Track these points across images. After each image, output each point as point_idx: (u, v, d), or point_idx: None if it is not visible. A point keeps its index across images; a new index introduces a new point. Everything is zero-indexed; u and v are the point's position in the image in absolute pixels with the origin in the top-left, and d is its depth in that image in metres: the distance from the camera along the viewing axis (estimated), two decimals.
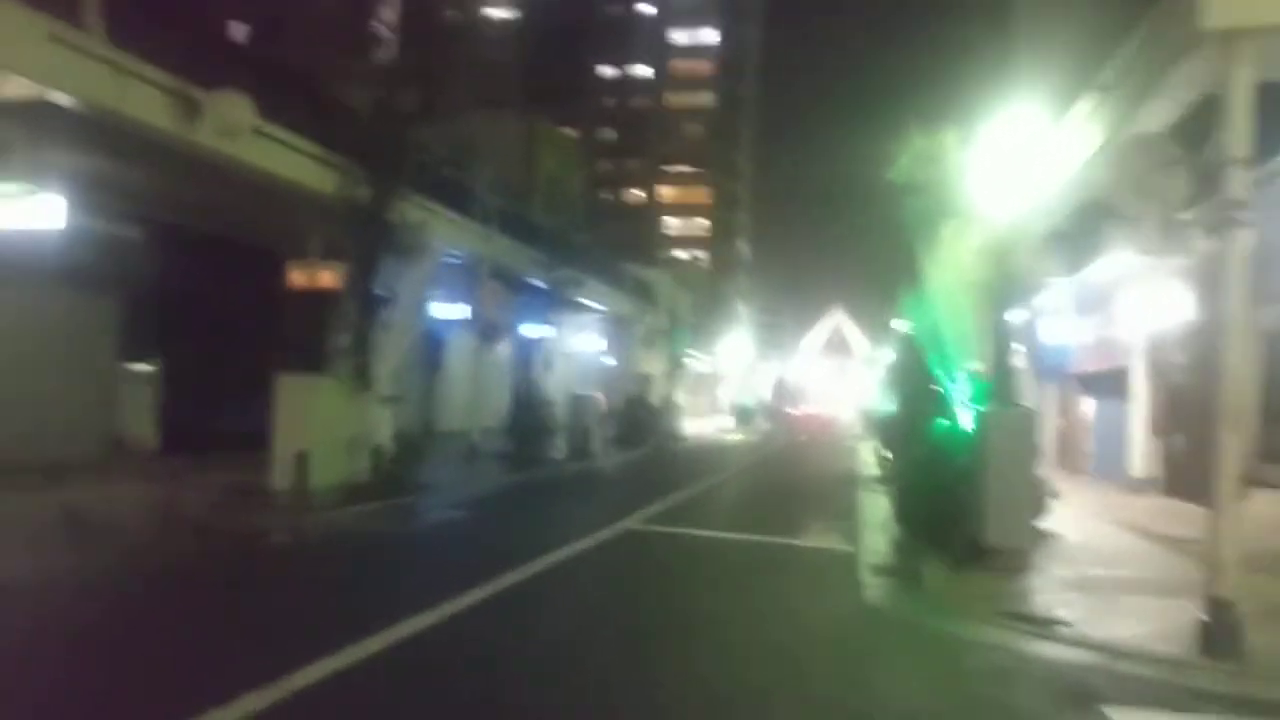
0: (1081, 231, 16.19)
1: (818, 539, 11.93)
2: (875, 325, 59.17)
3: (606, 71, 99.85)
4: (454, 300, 22.25)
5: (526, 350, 22.96)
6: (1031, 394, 18.16)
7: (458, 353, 21.94)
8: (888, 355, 32.42)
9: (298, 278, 17.11)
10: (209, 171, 13.01)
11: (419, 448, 14.75)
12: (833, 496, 17.97)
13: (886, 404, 40.73)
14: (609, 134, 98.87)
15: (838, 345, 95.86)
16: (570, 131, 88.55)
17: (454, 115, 18.79)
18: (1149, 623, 7.63)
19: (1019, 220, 12.13)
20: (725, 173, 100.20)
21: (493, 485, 16.85)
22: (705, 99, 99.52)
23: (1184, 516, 14.94)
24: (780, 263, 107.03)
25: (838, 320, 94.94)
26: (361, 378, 14.05)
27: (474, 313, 21.09)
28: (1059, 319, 21.64)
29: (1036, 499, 10.57)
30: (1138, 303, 17.82)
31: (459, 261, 21.51)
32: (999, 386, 12.09)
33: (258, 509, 11.45)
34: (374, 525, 11.27)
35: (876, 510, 15.24)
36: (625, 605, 8.14)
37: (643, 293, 40.79)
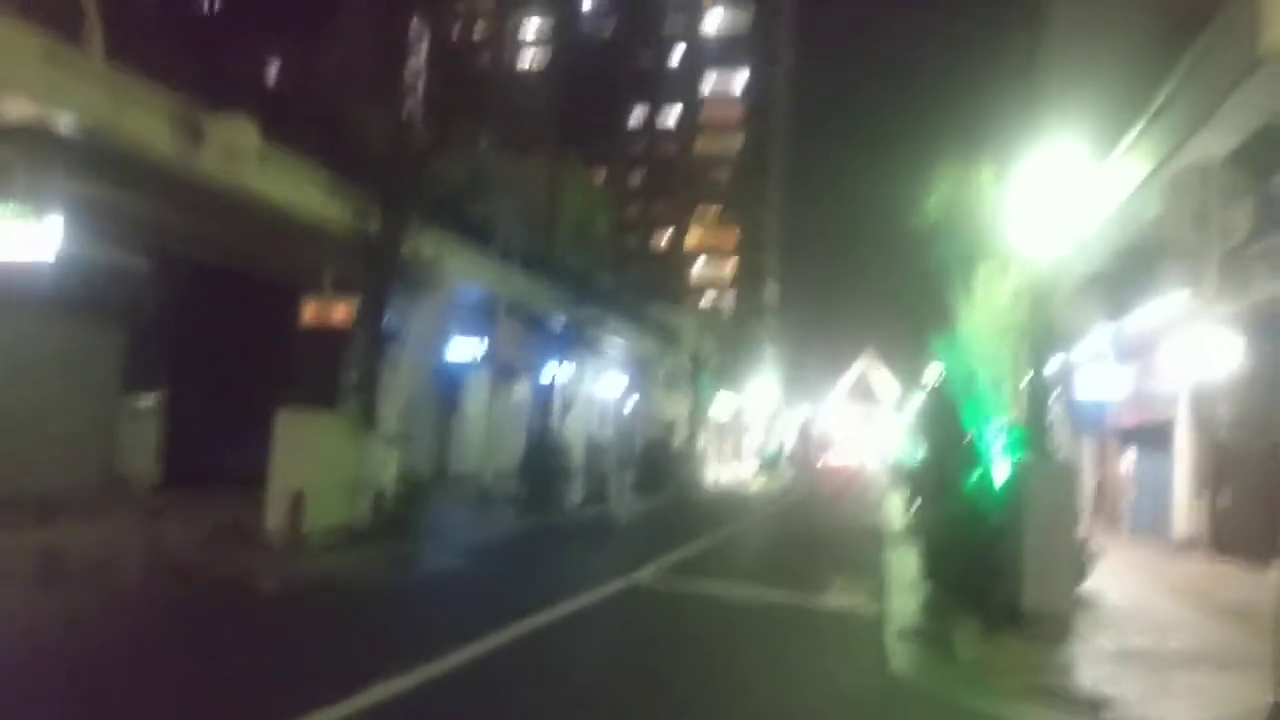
0: (1124, 274, 15.47)
1: (840, 597, 11.15)
2: (904, 371, 58.28)
3: (636, 116, 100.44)
4: (471, 338, 21.82)
5: (545, 392, 22.39)
6: (1067, 446, 17.29)
7: (475, 393, 21.44)
8: (917, 402, 31.58)
9: (311, 312, 16.68)
10: (216, 200, 12.65)
11: (425, 490, 14.12)
12: (858, 550, 17.13)
13: (915, 453, 39.81)
14: (637, 178, 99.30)
15: (865, 391, 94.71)
16: (598, 174, 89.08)
17: (472, 149, 18.37)
18: (1210, 704, 6.82)
19: (1058, 262, 11.43)
20: (753, 216, 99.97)
21: (500, 531, 16.18)
22: (734, 142, 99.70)
23: (1234, 580, 13.99)
24: (808, 306, 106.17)
25: (865, 365, 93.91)
26: (367, 416, 13.50)
27: (491, 352, 20.58)
28: (1097, 369, 20.77)
29: (1078, 560, 9.76)
30: (1183, 351, 16.98)
31: (477, 299, 21.14)
32: (1036, 437, 11.33)
33: (247, 551, 10.86)
34: (367, 572, 10.63)
35: (904, 566, 14.41)
36: (620, 677, 7.43)
37: (666, 334, 40.25)
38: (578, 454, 25.08)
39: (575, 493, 22.49)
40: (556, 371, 26.88)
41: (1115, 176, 10.72)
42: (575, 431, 29.37)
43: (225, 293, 16.76)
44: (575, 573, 11.90)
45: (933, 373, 21.27)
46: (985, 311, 11.82)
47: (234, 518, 11.98)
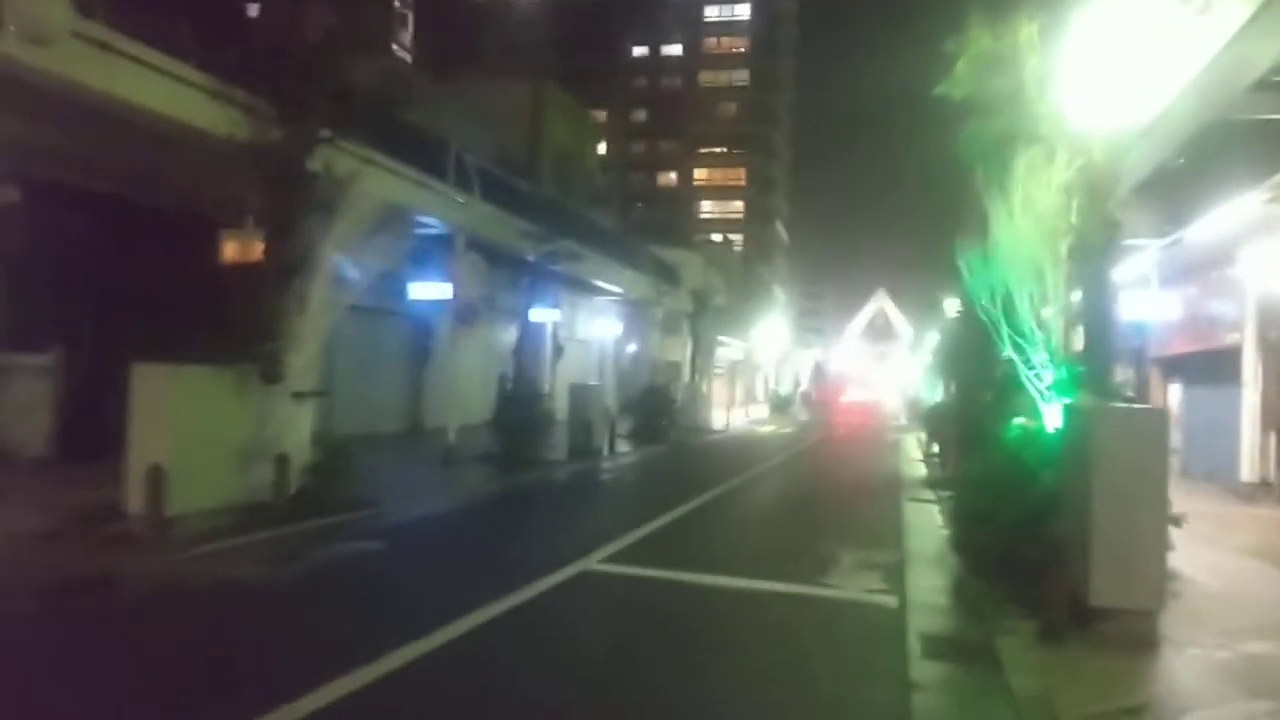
0: (1186, 173, 12.81)
1: (851, 582, 8.77)
2: (922, 306, 55.65)
3: (638, 50, 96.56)
4: (433, 278, 19.41)
5: (522, 336, 19.95)
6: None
7: (452, 341, 19.05)
8: (939, 334, 28.97)
9: (231, 250, 14.18)
10: (61, 106, 10.17)
11: (347, 454, 11.79)
12: (873, 509, 14.77)
13: (936, 391, 37.34)
14: (641, 116, 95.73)
15: (881, 329, 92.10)
16: (598, 113, 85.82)
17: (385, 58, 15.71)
18: None
19: (1120, 146, 8.81)
20: (761, 153, 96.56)
21: (456, 497, 13.88)
22: (740, 77, 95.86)
23: None
24: (820, 246, 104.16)
25: (881, 303, 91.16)
26: (270, 367, 11.12)
27: (454, 291, 18.13)
28: (1138, 292, 18.15)
29: (1164, 537, 7.33)
30: (1254, 265, 14.41)
31: (434, 233, 18.66)
32: (1095, 373, 8.86)
33: (95, 545, 8.58)
34: (240, 568, 8.29)
35: (928, 531, 12.05)
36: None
37: (666, 273, 37.63)
38: (563, 402, 22.79)
39: (559, 446, 20.20)
40: (539, 313, 24.49)
41: (1203, 20, 8.13)
42: (567, 379, 27.09)
43: (132, 231, 14.33)
44: (520, 556, 9.58)
45: (958, 298, 18.72)
46: (1028, 213, 9.26)
47: (108, 499, 9.69)
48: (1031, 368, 9.69)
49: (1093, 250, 8.95)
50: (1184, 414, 19.29)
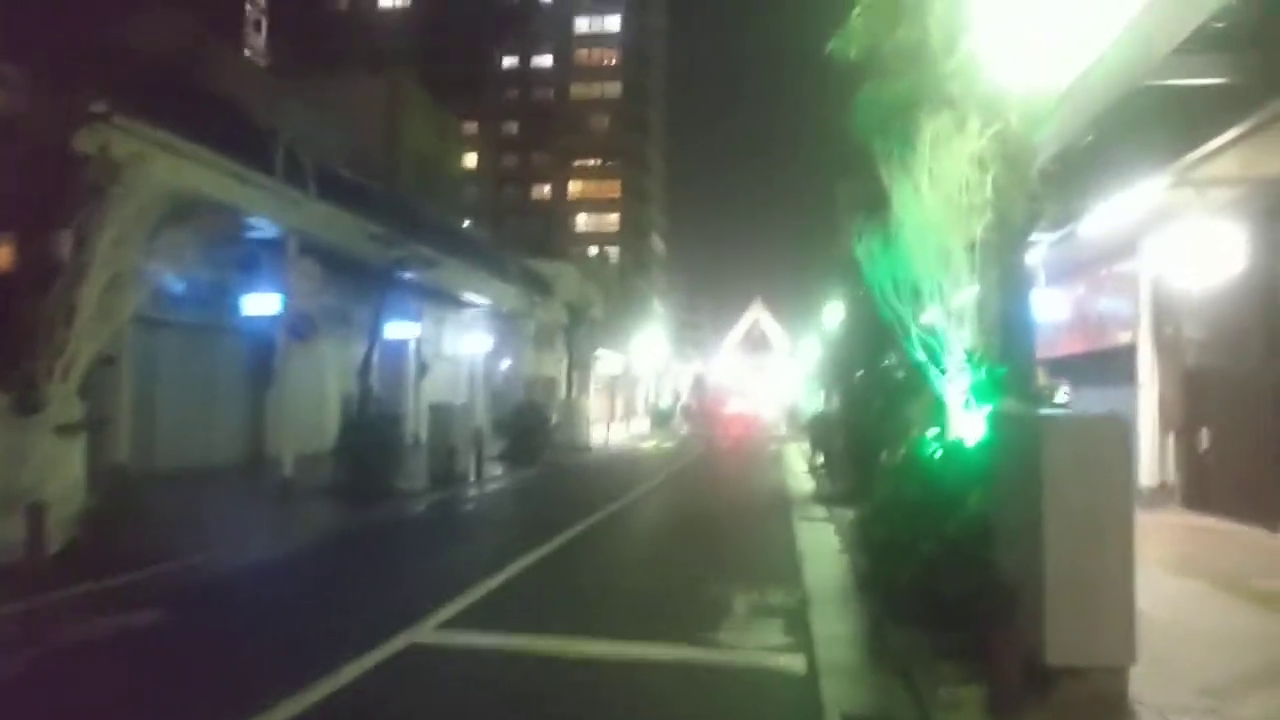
0: (1088, 159, 11.88)
1: (746, 638, 7.19)
2: (800, 313, 55.61)
3: (508, 62, 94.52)
4: (264, 287, 17.15)
5: (392, 355, 17.85)
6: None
7: (287, 359, 16.81)
8: (821, 341, 28.09)
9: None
10: None
11: (136, 496, 9.62)
12: (763, 532, 13.36)
13: (817, 401, 36.57)
14: (513, 127, 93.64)
15: (758, 340, 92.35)
16: (470, 124, 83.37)
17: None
18: None
19: (1042, 109, 7.59)
20: (635, 165, 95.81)
21: (277, 543, 11.74)
22: (611, 89, 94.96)
23: (1248, 544, 10.77)
24: (697, 259, 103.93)
25: (757, 314, 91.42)
26: (25, 396, 8.90)
27: (286, 302, 15.95)
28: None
29: (1132, 573, 5.99)
30: (1153, 257, 13.66)
31: (261, 236, 16.45)
32: (1018, 375, 7.62)
33: None
34: None
35: (826, 557, 10.67)
36: None
37: (538, 285, 35.83)
38: (422, 424, 20.75)
39: (417, 473, 18.17)
40: (397, 328, 22.40)
41: None
42: (435, 399, 25.03)
43: None
44: (339, 620, 7.64)
45: (842, 300, 17.61)
46: (935, 189, 7.96)
47: None
48: (943, 370, 8.40)
49: (1012, 231, 7.70)
50: None
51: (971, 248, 7.88)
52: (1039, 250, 15.35)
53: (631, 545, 12.67)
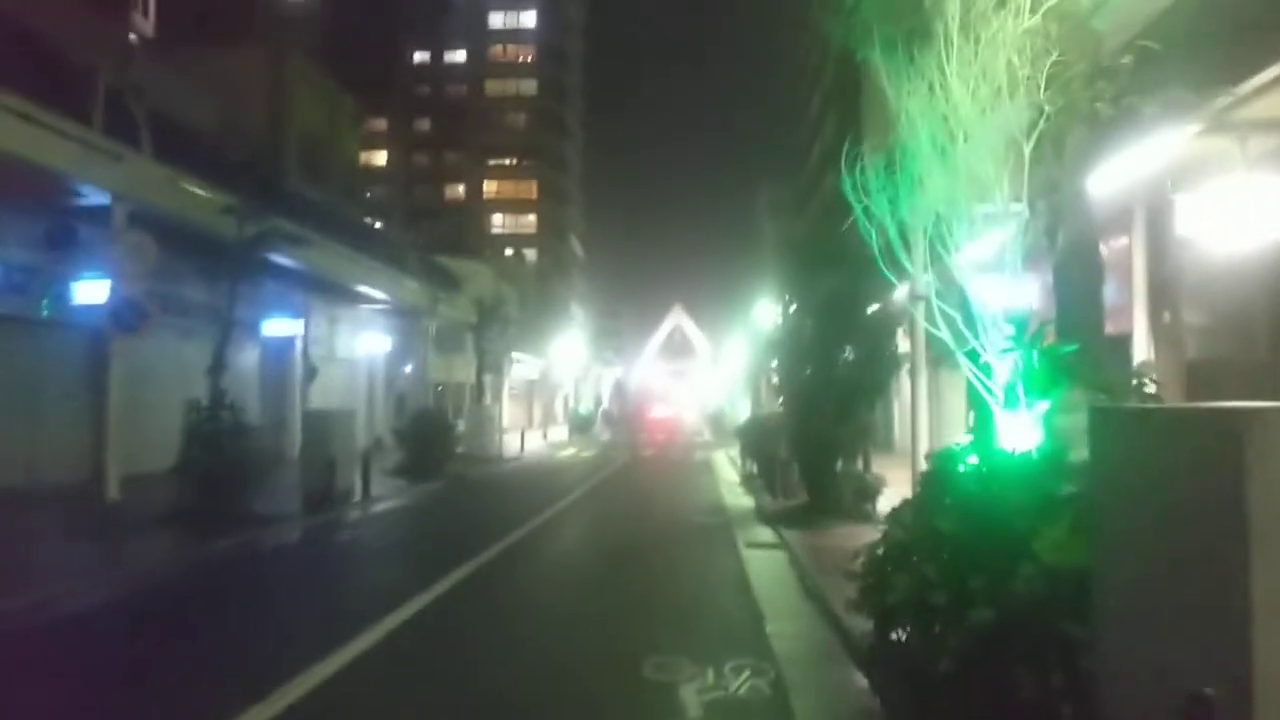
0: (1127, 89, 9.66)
1: None
2: (721, 318, 53.65)
3: (419, 56, 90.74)
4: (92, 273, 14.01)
5: (274, 356, 14.79)
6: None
7: (118, 356, 13.68)
8: (763, 333, 25.51)
9: None
10: None
11: None
12: (706, 569, 10.74)
13: (744, 405, 34.16)
14: (425, 124, 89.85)
15: (679, 345, 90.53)
16: (378, 122, 79.46)
17: None
18: None
19: None
20: (552, 165, 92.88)
21: (73, 595, 8.70)
22: (527, 86, 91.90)
23: None
24: (616, 264, 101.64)
25: (678, 319, 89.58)
26: None
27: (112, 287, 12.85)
28: (995, 276, 15.22)
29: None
30: (1152, 229, 11.55)
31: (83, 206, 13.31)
32: (1087, 354, 5.30)
33: None
34: None
35: (793, 610, 8.13)
36: None
37: (444, 281, 32.81)
38: (293, 436, 17.68)
39: (289, 494, 15.16)
40: (277, 325, 19.32)
41: None
42: (329, 404, 21.97)
43: None
44: None
45: (793, 285, 15.17)
46: (966, 86, 5.51)
47: None
48: (974, 357, 5.99)
49: (1079, 143, 5.30)
50: None
51: (1020, 167, 5.47)
52: (1013, 227, 13.25)
53: (541, 590, 9.85)
